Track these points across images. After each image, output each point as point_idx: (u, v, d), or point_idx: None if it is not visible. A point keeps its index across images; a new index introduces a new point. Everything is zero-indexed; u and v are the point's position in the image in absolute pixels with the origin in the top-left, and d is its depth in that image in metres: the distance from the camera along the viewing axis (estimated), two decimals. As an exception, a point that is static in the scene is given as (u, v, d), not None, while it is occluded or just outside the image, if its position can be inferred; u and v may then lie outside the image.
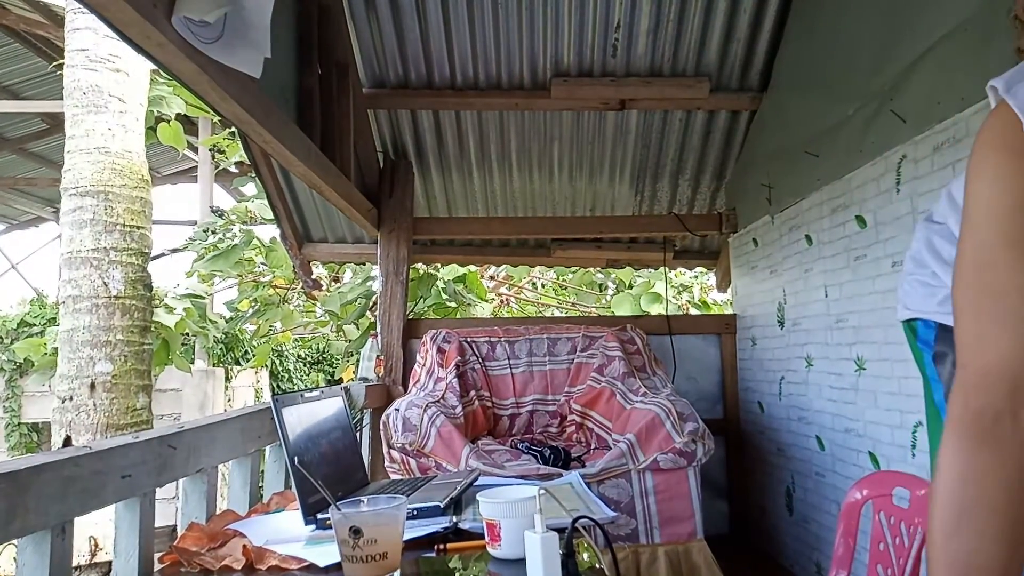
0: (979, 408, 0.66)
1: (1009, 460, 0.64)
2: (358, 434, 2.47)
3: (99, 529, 4.24)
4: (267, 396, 7.89)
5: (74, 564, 1.05)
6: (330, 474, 1.39)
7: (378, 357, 3.08)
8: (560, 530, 0.95)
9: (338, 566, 1.04)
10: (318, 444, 1.40)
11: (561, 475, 1.96)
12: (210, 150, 7.01)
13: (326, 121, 2.39)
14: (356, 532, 0.95)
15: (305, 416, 1.39)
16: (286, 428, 1.29)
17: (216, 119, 6.51)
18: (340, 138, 2.52)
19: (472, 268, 5.42)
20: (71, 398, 4.06)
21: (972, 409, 0.66)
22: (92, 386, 4.05)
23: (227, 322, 7.06)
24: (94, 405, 4.05)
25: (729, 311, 3.85)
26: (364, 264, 4.91)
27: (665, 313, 3.92)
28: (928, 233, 1.13)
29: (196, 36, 1.32)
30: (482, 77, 3.06)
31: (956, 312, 0.73)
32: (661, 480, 2.20)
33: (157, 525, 1.24)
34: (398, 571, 0.99)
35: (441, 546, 1.14)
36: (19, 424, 6.85)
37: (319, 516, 1.24)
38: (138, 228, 4.33)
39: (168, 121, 5.61)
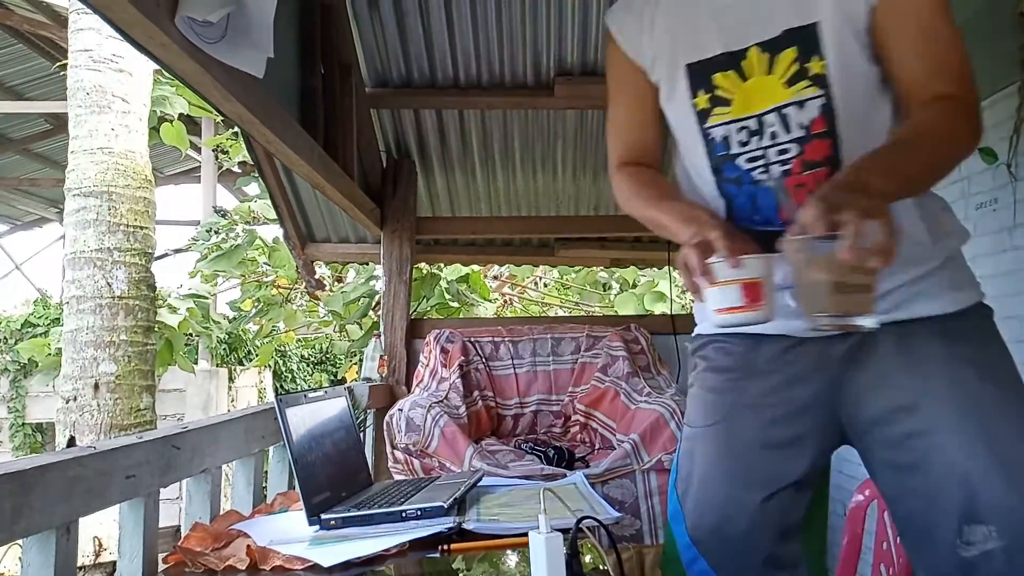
0: (615, 171, 1.25)
1: (629, 177, 1.23)
2: (362, 434, 2.47)
3: (103, 529, 4.25)
4: (270, 396, 7.90)
5: (79, 564, 1.06)
6: (334, 474, 1.39)
7: (381, 357, 3.08)
8: (564, 531, 0.95)
9: (342, 566, 1.04)
10: (322, 444, 1.39)
11: (565, 475, 1.96)
12: (213, 150, 7.02)
13: (329, 121, 2.39)
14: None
15: (309, 416, 1.38)
16: (290, 428, 1.29)
17: (219, 119, 6.53)
18: (343, 138, 2.52)
19: (475, 268, 5.42)
20: (75, 398, 4.08)
21: (616, 168, 1.25)
22: (96, 386, 4.07)
23: (230, 322, 7.08)
24: (98, 405, 4.07)
25: (733, 310, 3.84)
26: (367, 264, 4.92)
27: (669, 312, 3.91)
28: None
29: (199, 36, 1.31)
30: (485, 76, 3.05)
31: None
32: (666, 480, 2.20)
33: (161, 525, 1.24)
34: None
35: (445, 546, 1.13)
36: (23, 424, 6.87)
37: (323, 516, 1.24)
38: (141, 228, 4.34)
39: (171, 121, 5.63)
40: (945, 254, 1.09)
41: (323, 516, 1.24)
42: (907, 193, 0.99)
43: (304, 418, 1.36)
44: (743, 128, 1.10)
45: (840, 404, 1.11)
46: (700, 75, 1.11)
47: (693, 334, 1.30)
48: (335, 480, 1.38)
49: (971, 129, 1.01)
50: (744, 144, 1.10)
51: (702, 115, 1.12)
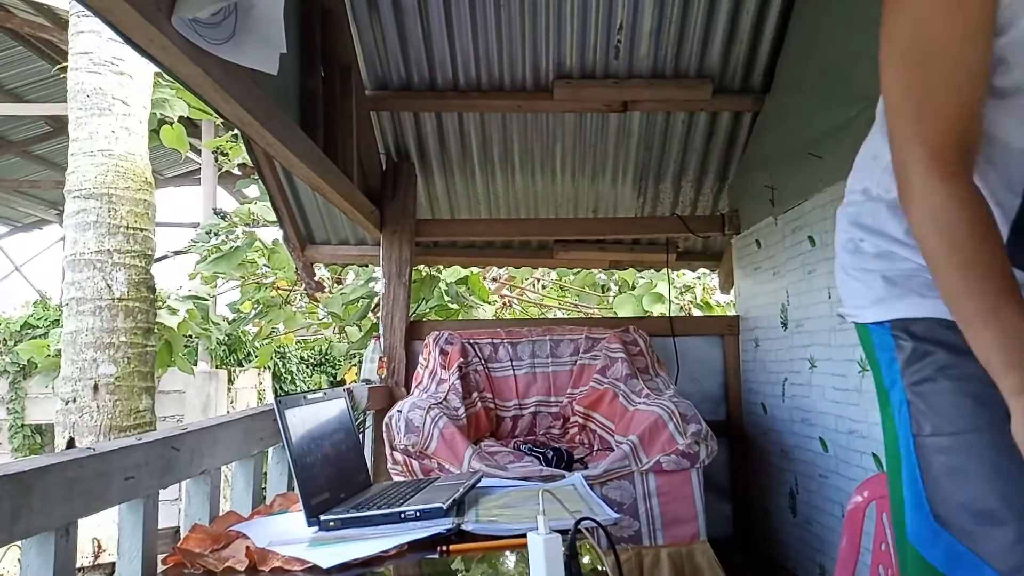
0: (942, 163, 0.80)
1: (968, 193, 0.81)
2: (361, 436, 2.47)
3: (102, 530, 4.24)
4: (270, 398, 7.90)
5: (77, 565, 1.06)
6: (333, 476, 1.40)
7: (381, 359, 3.08)
8: (563, 532, 0.95)
9: (341, 567, 1.04)
10: (321, 446, 1.40)
11: (564, 477, 1.96)
12: (213, 152, 7.03)
13: (329, 123, 2.39)
14: None
15: (308, 418, 1.39)
16: (289, 430, 1.29)
17: (219, 121, 6.54)
18: (343, 140, 2.53)
19: (474, 270, 5.42)
20: (74, 400, 4.07)
21: (939, 163, 0.81)
22: (95, 388, 4.06)
23: (230, 324, 7.07)
24: (97, 407, 4.06)
25: (732, 312, 3.85)
26: (367, 266, 4.92)
27: (668, 314, 3.92)
28: (854, 214, 1.03)
29: (204, 38, 1.32)
30: (484, 79, 3.06)
31: (897, 95, 0.85)
32: (664, 482, 2.20)
33: (160, 527, 1.24)
34: None
35: (444, 548, 1.14)
36: (23, 426, 6.86)
37: (322, 518, 1.24)
38: (141, 230, 4.34)
39: (171, 124, 5.63)
40: None
41: (322, 517, 1.24)
42: None
43: (303, 420, 1.37)
44: None
45: None
46: None
47: (898, 316, 0.94)
48: (334, 481, 1.39)
49: None
50: None
51: None
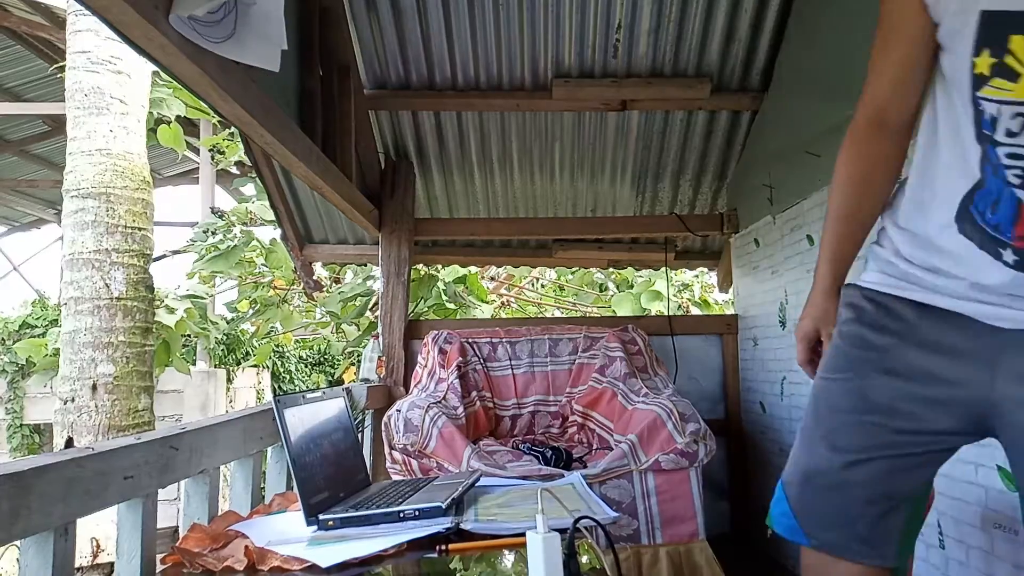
0: (857, 123, 1.12)
1: (862, 156, 1.11)
2: (360, 435, 2.47)
3: (101, 530, 4.24)
4: (268, 397, 7.89)
5: (76, 565, 1.06)
6: (332, 475, 1.40)
7: (379, 358, 3.08)
8: (562, 531, 0.95)
9: (340, 566, 1.04)
10: (320, 445, 1.40)
11: (563, 476, 1.96)
12: (210, 150, 7.01)
13: (327, 122, 2.39)
14: None
15: (307, 417, 1.39)
16: (288, 429, 1.29)
17: (216, 120, 6.53)
18: (341, 139, 2.52)
19: (473, 269, 5.42)
20: (73, 399, 4.07)
21: (855, 123, 1.12)
22: (94, 387, 4.06)
23: (228, 323, 7.07)
24: (96, 406, 4.06)
25: (730, 311, 3.85)
26: (365, 265, 4.92)
27: (666, 313, 3.92)
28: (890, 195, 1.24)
29: (204, 36, 1.31)
30: (483, 78, 3.06)
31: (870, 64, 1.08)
32: (663, 481, 2.20)
33: (159, 526, 1.24)
34: None
35: (443, 547, 1.14)
36: (21, 425, 6.85)
37: (321, 517, 1.24)
38: (139, 229, 4.34)
39: (168, 123, 5.62)
40: None
41: (321, 517, 1.24)
42: None
43: (302, 419, 1.37)
44: (1018, 115, 0.86)
45: (994, 386, 0.95)
46: (993, 29, 0.86)
47: (851, 282, 1.14)
48: (333, 481, 1.39)
49: None
50: (1012, 135, 0.86)
51: (976, 80, 0.89)
